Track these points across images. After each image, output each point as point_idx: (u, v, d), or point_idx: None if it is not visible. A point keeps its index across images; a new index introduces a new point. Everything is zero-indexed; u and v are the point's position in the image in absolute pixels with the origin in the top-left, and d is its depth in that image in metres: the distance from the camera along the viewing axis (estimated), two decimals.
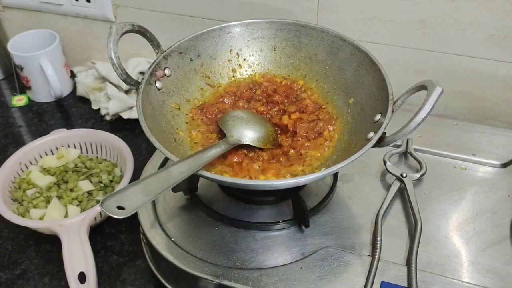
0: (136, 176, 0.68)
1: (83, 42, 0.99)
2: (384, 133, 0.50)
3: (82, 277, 0.57)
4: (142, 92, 0.55)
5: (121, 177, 0.71)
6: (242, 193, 0.61)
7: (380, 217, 0.58)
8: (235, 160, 0.56)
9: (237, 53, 0.67)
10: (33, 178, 0.70)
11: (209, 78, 0.66)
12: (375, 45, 0.76)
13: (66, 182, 0.71)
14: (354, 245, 0.56)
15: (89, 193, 0.69)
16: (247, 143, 0.56)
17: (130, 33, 0.56)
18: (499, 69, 0.73)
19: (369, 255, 0.55)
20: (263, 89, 0.65)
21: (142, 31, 0.58)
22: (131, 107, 0.87)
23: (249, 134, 0.56)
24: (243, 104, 0.64)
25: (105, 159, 0.76)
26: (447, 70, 0.76)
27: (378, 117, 0.54)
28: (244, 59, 0.68)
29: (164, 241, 0.56)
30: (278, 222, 0.58)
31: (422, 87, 0.48)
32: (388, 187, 0.63)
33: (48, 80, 0.88)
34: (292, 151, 0.58)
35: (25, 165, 0.72)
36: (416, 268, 0.52)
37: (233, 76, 0.68)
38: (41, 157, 0.74)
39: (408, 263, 0.53)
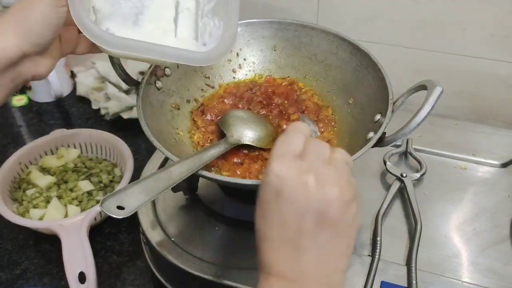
0: (136, 176, 0.68)
1: None
2: (384, 133, 0.50)
3: (82, 277, 0.57)
4: (142, 92, 0.55)
5: (121, 177, 0.71)
6: (242, 193, 0.61)
7: (380, 217, 0.58)
8: (235, 160, 0.56)
9: (237, 53, 0.67)
10: (33, 178, 0.70)
11: (209, 78, 0.66)
12: (375, 45, 0.76)
13: (66, 182, 0.71)
14: (354, 245, 0.56)
15: (89, 193, 0.69)
16: (247, 143, 0.56)
17: None
18: (500, 69, 0.73)
19: (369, 255, 0.55)
20: (263, 90, 0.65)
21: None
22: (131, 107, 0.86)
23: (249, 134, 0.56)
24: (243, 106, 0.64)
25: (105, 159, 0.76)
26: (447, 70, 0.76)
27: (378, 117, 0.54)
28: (244, 59, 0.68)
29: (164, 241, 0.56)
30: None
31: (422, 87, 0.48)
32: (388, 187, 0.63)
33: (48, 80, 0.88)
34: None
35: (25, 165, 0.72)
36: (416, 268, 0.52)
37: (233, 77, 0.68)
38: (41, 157, 0.74)
39: (408, 263, 0.53)
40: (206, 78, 0.66)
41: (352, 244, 0.36)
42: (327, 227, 0.33)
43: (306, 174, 0.33)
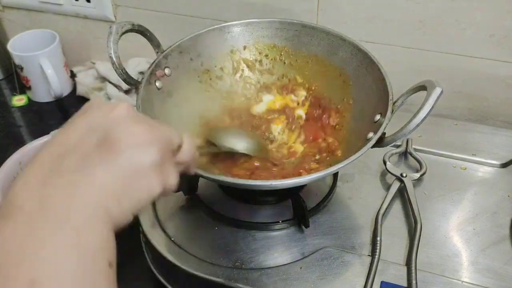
0: None
1: (83, 42, 0.99)
2: (384, 133, 0.50)
3: None
4: (142, 92, 0.55)
5: None
6: (242, 193, 0.61)
7: (380, 217, 0.58)
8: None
9: (237, 53, 0.67)
10: None
11: (210, 79, 0.66)
12: (375, 45, 0.76)
13: None
14: (354, 245, 0.56)
15: None
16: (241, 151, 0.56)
17: (130, 33, 0.56)
18: (499, 69, 0.73)
19: (369, 255, 0.55)
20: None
21: (142, 31, 0.58)
22: None
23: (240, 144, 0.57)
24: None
25: None
26: (447, 70, 0.76)
27: (377, 117, 0.54)
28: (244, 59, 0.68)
29: (164, 241, 0.56)
30: (278, 222, 0.58)
31: (422, 87, 0.48)
32: (388, 187, 0.63)
33: (48, 80, 0.88)
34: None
35: (25, 165, 0.72)
36: (416, 268, 0.52)
37: (233, 77, 0.68)
38: None
39: (408, 263, 0.53)
40: (206, 77, 0.66)
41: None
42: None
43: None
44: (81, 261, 0.25)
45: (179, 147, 0.33)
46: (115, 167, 0.27)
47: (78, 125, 0.29)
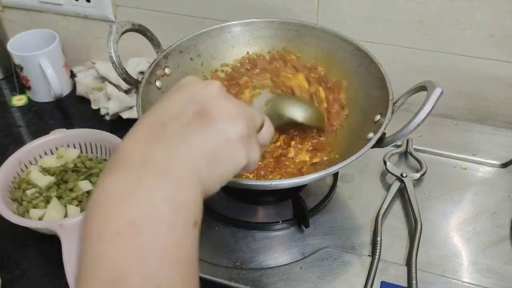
0: None
1: (83, 42, 0.99)
2: (384, 134, 0.50)
3: None
4: (142, 92, 0.55)
5: None
6: (242, 193, 0.61)
7: (380, 217, 0.58)
8: None
9: (237, 53, 0.67)
10: (33, 178, 0.70)
11: (210, 77, 0.66)
12: (375, 45, 0.76)
13: (66, 182, 0.70)
14: (354, 245, 0.56)
15: (89, 193, 0.69)
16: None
17: (130, 33, 0.56)
18: (499, 69, 0.73)
19: (369, 255, 0.55)
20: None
21: (142, 30, 0.58)
22: (131, 107, 0.86)
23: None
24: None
25: (105, 159, 0.76)
26: (447, 70, 0.76)
27: (378, 117, 0.54)
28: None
29: None
30: (278, 222, 0.58)
31: (422, 88, 0.48)
32: (388, 187, 0.63)
33: (47, 80, 0.88)
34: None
35: (25, 165, 0.72)
36: (416, 268, 0.52)
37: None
38: (41, 157, 0.74)
39: (408, 263, 0.53)
40: (206, 77, 0.66)
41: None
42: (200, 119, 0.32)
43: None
44: (174, 211, 0.28)
45: (261, 127, 0.37)
46: (210, 135, 0.31)
47: (178, 97, 0.34)
